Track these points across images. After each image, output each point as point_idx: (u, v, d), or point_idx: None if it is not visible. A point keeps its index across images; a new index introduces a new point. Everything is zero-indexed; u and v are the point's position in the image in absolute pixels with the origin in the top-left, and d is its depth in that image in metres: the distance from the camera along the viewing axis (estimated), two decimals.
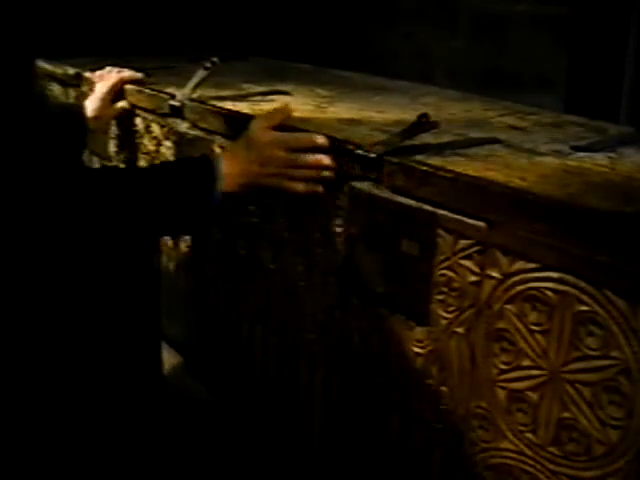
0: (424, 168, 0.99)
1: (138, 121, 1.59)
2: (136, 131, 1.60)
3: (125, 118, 1.62)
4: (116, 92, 1.59)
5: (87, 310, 1.03)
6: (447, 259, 0.96)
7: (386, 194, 1.04)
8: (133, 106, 1.60)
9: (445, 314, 0.98)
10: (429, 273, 0.99)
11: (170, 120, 1.47)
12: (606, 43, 1.81)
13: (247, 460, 1.38)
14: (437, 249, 0.97)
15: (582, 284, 0.82)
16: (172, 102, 1.46)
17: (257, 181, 1.12)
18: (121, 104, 1.60)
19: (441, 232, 0.96)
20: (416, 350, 1.03)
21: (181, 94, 1.45)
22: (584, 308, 0.83)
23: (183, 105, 1.44)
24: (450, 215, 0.95)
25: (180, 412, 1.41)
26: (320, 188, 1.12)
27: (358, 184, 1.08)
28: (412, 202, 1.00)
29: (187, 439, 1.38)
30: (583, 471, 0.86)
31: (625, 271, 0.78)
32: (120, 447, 1.10)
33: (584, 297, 0.82)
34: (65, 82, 1.81)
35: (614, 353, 0.81)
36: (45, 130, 0.97)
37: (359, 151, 1.07)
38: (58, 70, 1.82)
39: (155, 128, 1.53)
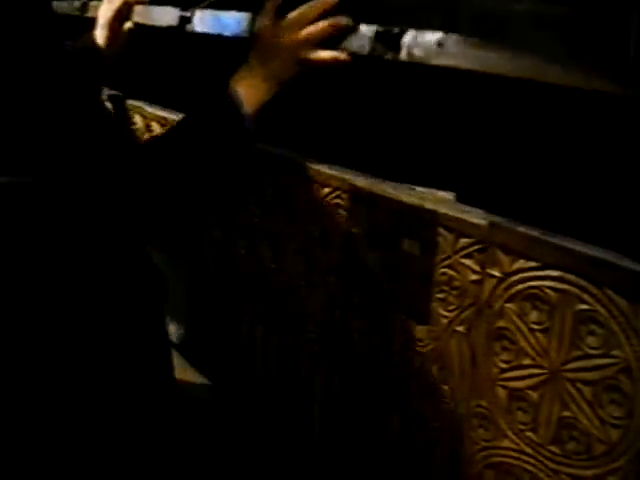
0: None
1: (138, 119, 1.59)
2: (136, 130, 1.60)
3: (126, 117, 1.63)
4: (123, 17, 1.50)
5: (94, 312, 1.02)
6: (448, 258, 0.96)
7: (387, 193, 1.04)
8: (137, 25, 1.53)
9: (446, 313, 0.98)
10: (430, 272, 0.99)
11: (170, 120, 1.48)
12: (607, 43, 1.81)
13: (247, 460, 1.38)
14: (438, 248, 0.97)
15: (583, 283, 0.82)
16: (182, 13, 1.41)
17: (284, 76, 1.05)
18: (127, 25, 1.53)
19: (442, 231, 0.96)
20: (416, 349, 1.03)
21: (191, 8, 1.39)
22: (585, 307, 0.83)
23: (192, 14, 1.39)
24: (451, 214, 0.95)
25: (180, 412, 1.40)
26: (346, 55, 1.05)
27: (359, 182, 1.08)
28: (414, 200, 1.00)
29: (187, 439, 1.38)
30: (583, 470, 0.86)
31: (626, 270, 0.78)
32: (127, 449, 1.09)
33: (585, 296, 0.82)
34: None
35: (615, 352, 0.81)
36: (66, 70, 0.91)
37: None
38: (61, 4, 1.77)
39: (156, 127, 1.53)
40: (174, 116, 1.47)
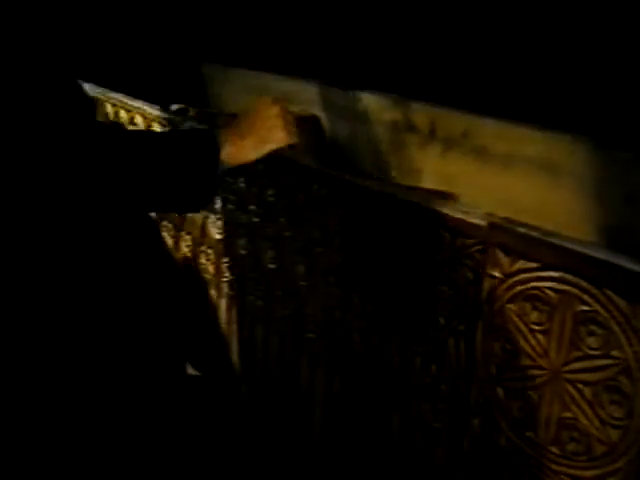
0: None
1: (139, 120, 1.59)
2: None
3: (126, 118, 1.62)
4: None
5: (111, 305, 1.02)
6: (448, 258, 0.96)
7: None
8: None
9: (446, 313, 0.98)
10: (430, 272, 0.99)
11: (176, 120, 1.47)
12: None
13: (247, 460, 1.38)
14: (438, 248, 0.97)
15: (583, 283, 0.82)
16: None
17: (265, 144, 1.04)
18: None
19: (442, 231, 0.96)
20: (416, 349, 1.03)
21: None
22: (585, 308, 0.83)
23: None
24: (451, 214, 0.95)
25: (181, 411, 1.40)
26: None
27: (360, 182, 1.08)
28: (414, 200, 1.00)
29: (187, 439, 1.38)
30: (583, 470, 0.86)
31: (626, 270, 0.78)
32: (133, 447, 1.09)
33: (585, 297, 0.82)
34: None
35: (615, 352, 0.81)
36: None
37: None
38: None
39: (156, 128, 1.53)
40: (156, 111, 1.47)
